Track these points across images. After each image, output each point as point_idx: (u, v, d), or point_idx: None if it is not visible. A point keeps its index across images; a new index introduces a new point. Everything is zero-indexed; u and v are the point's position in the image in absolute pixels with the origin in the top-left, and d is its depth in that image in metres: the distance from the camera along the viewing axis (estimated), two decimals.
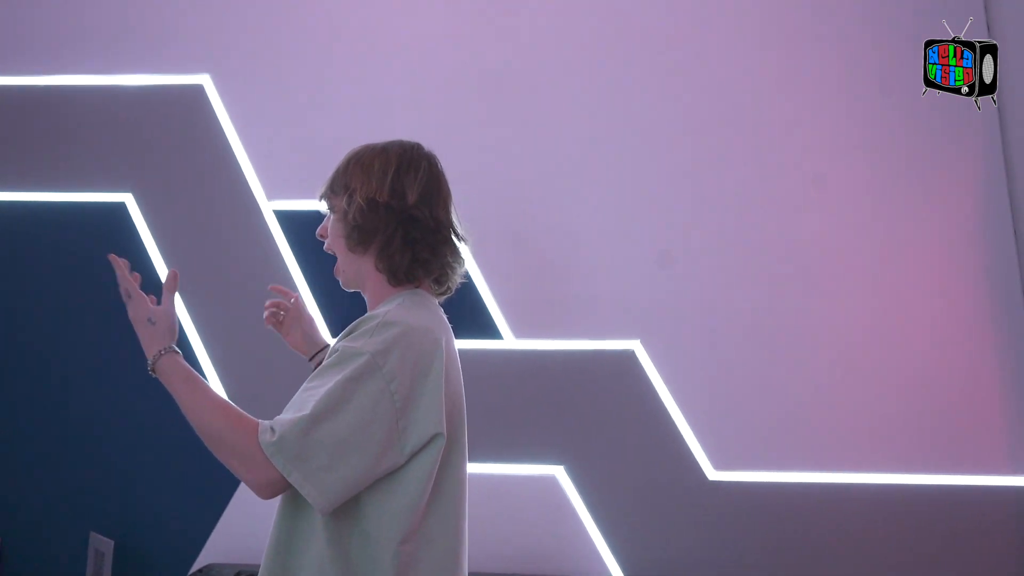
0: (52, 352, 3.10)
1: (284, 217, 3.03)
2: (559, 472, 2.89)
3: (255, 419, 1.62)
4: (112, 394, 3.06)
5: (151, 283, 3.02)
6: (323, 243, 1.83)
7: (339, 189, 1.79)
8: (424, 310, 1.74)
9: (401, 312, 1.69)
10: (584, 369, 2.92)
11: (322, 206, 1.85)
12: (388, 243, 1.75)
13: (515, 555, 2.87)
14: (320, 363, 1.84)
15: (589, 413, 2.91)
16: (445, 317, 1.82)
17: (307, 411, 1.58)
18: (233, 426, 1.59)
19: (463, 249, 1.82)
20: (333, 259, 1.79)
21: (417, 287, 1.78)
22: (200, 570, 2.81)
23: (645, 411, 2.87)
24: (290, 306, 2.04)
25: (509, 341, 2.95)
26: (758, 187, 2.94)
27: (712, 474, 2.85)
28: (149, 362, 1.70)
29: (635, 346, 2.90)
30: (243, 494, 2.95)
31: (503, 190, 3.02)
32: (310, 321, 2.05)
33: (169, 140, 3.12)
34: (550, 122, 3.02)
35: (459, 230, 1.81)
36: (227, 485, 2.96)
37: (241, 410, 1.62)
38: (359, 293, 1.80)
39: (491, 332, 2.96)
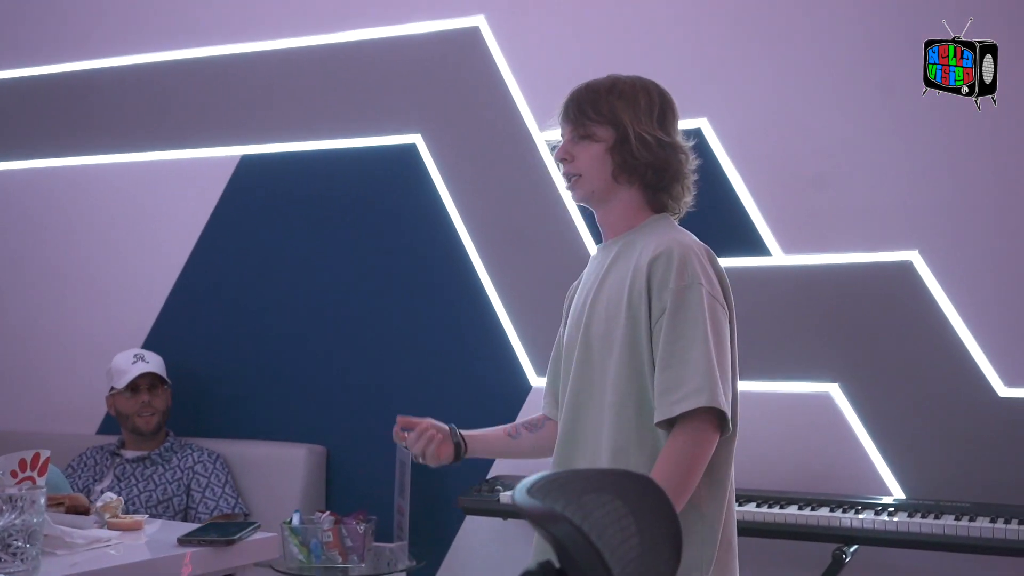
0: (361, 282, 3.43)
1: (553, 146, 3.14)
2: (834, 390, 2.81)
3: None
4: (407, 322, 3.37)
5: (443, 218, 3.27)
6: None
7: (599, 118, 1.90)
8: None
9: (680, 236, 1.89)
10: (858, 283, 2.80)
11: (556, 132, 1.98)
12: (659, 176, 1.91)
13: (791, 473, 2.83)
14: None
15: (864, 328, 2.79)
16: None
17: (702, 359, 1.75)
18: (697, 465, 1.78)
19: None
20: None
21: (666, 213, 1.97)
22: (488, 480, 3.03)
23: (925, 325, 2.71)
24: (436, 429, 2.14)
25: (778, 257, 2.89)
26: None
27: (1003, 391, 2.65)
28: None
29: (913, 257, 2.73)
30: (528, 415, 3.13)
31: (767, 103, 2.94)
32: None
33: (450, 81, 3.33)
34: (815, 34, 2.90)
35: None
36: (514, 405, 3.15)
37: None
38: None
39: (759, 248, 2.90)
